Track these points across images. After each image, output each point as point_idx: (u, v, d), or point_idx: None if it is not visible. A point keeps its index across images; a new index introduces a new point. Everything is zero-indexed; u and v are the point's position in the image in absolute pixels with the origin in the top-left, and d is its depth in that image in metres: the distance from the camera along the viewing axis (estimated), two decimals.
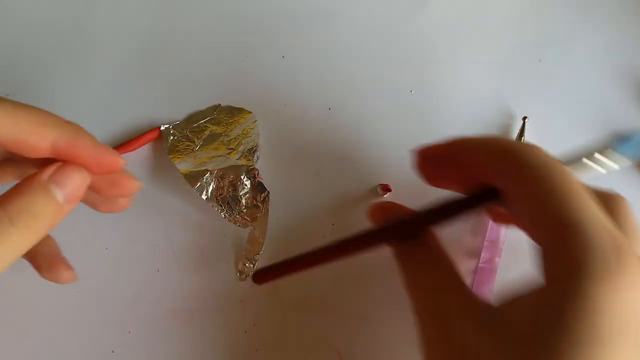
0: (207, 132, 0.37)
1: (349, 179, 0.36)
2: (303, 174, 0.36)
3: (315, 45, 0.39)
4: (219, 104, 0.38)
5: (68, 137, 0.24)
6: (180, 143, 0.37)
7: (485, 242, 0.34)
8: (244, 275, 0.35)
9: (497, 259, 0.34)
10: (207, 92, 0.38)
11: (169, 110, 0.37)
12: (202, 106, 0.38)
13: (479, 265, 0.34)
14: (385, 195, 0.36)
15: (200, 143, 0.37)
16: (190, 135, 0.37)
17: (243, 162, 0.36)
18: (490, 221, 0.35)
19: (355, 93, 0.38)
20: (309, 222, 0.36)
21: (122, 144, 0.36)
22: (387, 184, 0.35)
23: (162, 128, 0.37)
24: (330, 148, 0.37)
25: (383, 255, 0.35)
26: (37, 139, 0.24)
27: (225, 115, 0.38)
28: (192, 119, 0.37)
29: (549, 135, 0.37)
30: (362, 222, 0.36)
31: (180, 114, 0.37)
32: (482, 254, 0.34)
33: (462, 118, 0.38)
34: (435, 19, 0.40)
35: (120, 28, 0.39)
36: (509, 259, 0.35)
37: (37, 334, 0.34)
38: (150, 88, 0.38)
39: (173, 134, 0.37)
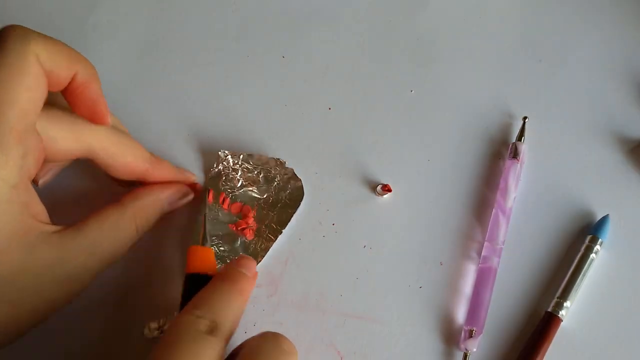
0: (251, 180, 0.36)
1: (349, 179, 0.36)
2: (303, 174, 0.36)
3: (315, 45, 0.39)
4: (284, 162, 0.36)
5: (87, 76, 0.28)
6: (226, 176, 0.36)
7: (485, 243, 0.34)
8: (150, 336, 0.33)
9: (497, 259, 0.34)
10: (207, 93, 0.38)
11: (168, 112, 0.38)
12: (203, 108, 0.38)
13: (479, 265, 0.34)
14: (385, 196, 0.36)
15: (239, 188, 0.36)
16: (239, 173, 0.36)
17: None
18: (492, 221, 0.35)
19: (355, 93, 0.38)
20: (309, 222, 0.36)
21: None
22: (387, 184, 0.35)
23: (220, 152, 0.36)
24: (330, 148, 0.37)
25: (383, 255, 0.35)
26: (65, 74, 0.28)
27: (281, 176, 0.36)
28: (251, 158, 0.36)
29: (549, 135, 0.37)
30: (362, 222, 0.36)
31: (179, 117, 0.38)
32: (482, 254, 0.34)
33: (462, 118, 0.38)
34: (435, 19, 0.40)
35: (119, 31, 0.39)
36: (509, 259, 0.35)
37: None
38: (149, 90, 0.38)
39: (225, 164, 0.36)
